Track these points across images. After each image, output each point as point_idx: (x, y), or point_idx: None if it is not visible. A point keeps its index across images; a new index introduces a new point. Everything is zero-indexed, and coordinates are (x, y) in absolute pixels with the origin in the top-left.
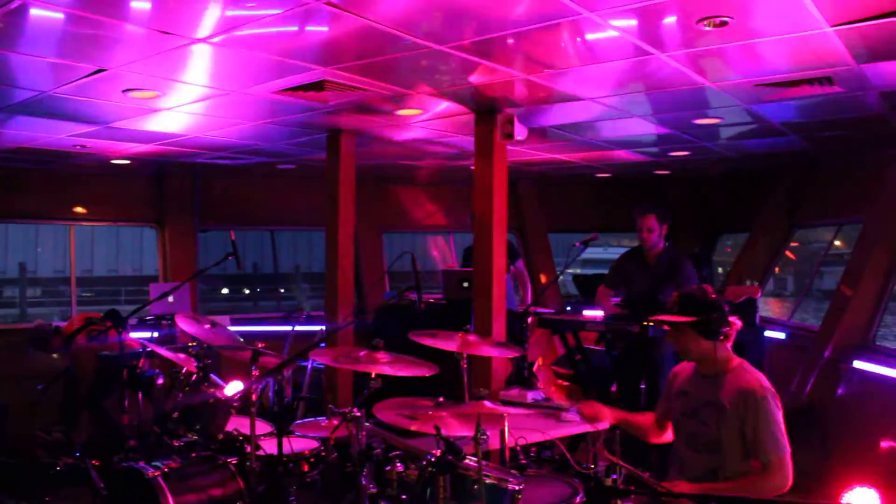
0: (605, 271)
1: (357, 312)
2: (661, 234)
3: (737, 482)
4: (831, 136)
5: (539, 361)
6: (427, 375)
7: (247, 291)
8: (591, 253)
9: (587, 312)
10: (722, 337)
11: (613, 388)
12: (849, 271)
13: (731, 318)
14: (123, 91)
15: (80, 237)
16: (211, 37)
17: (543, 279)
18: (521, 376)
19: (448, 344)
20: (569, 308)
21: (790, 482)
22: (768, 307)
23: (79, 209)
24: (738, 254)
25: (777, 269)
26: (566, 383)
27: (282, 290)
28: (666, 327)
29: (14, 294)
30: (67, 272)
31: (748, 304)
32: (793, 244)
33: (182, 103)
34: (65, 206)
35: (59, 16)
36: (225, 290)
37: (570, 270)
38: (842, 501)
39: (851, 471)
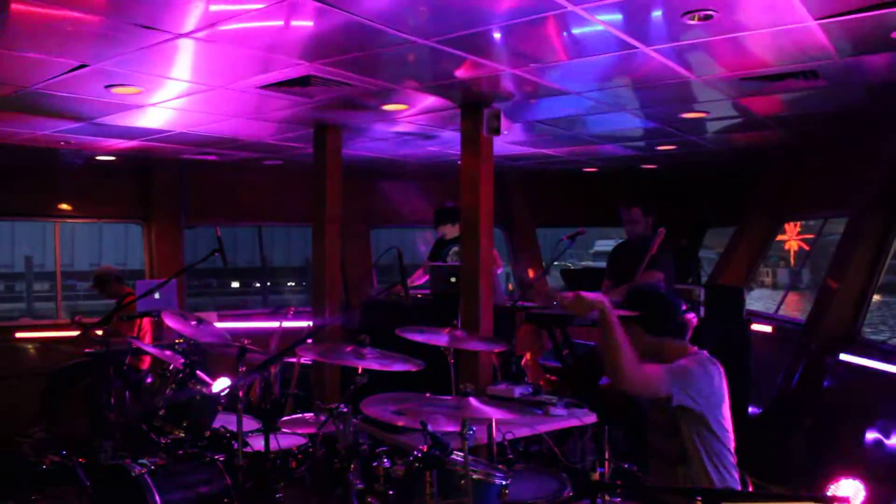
0: (592, 264)
1: (344, 308)
2: (648, 226)
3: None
4: (816, 129)
5: (527, 356)
6: (413, 371)
7: (257, 285)
8: (605, 245)
9: None
10: (672, 332)
11: (603, 382)
12: (834, 264)
13: (688, 316)
14: (106, 87)
15: (61, 230)
16: (194, 32)
17: (531, 274)
18: (509, 371)
19: (435, 339)
20: (555, 302)
21: (626, 384)
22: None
23: (64, 206)
24: (725, 247)
25: (792, 262)
26: (554, 378)
27: (291, 284)
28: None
29: (23, 288)
30: (75, 266)
31: (734, 298)
32: (809, 236)
33: (166, 99)
34: (49, 204)
35: (40, 10)
36: (235, 284)
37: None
38: (828, 493)
39: (837, 463)
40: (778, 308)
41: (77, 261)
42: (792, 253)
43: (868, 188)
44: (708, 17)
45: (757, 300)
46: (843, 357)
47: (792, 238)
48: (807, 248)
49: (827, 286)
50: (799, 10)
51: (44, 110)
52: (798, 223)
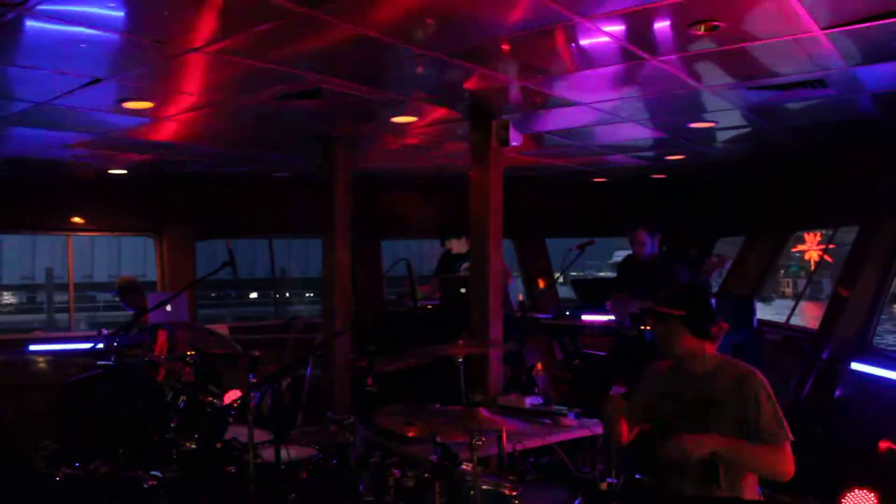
0: (610, 275)
1: (355, 319)
2: (654, 245)
3: (760, 446)
4: (825, 138)
5: (538, 366)
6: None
7: (276, 296)
8: (623, 256)
9: (586, 317)
10: (710, 336)
11: (613, 391)
12: (845, 273)
13: (719, 320)
14: (119, 101)
15: (80, 242)
16: (205, 46)
17: (541, 284)
18: (520, 381)
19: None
20: (567, 313)
21: (793, 469)
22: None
23: (76, 220)
24: (734, 256)
25: (812, 273)
26: (564, 388)
27: (309, 295)
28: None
29: (44, 299)
30: (95, 277)
31: (745, 307)
32: (830, 246)
33: (177, 112)
34: (62, 217)
35: (54, 27)
36: (253, 295)
37: (572, 273)
38: None
39: (849, 473)
40: (789, 317)
41: (96, 272)
42: (812, 263)
43: (878, 197)
44: (715, 28)
45: (775, 309)
46: (855, 366)
47: (812, 248)
48: (827, 257)
49: (838, 295)
50: (805, 20)
51: (57, 125)
52: (819, 233)
